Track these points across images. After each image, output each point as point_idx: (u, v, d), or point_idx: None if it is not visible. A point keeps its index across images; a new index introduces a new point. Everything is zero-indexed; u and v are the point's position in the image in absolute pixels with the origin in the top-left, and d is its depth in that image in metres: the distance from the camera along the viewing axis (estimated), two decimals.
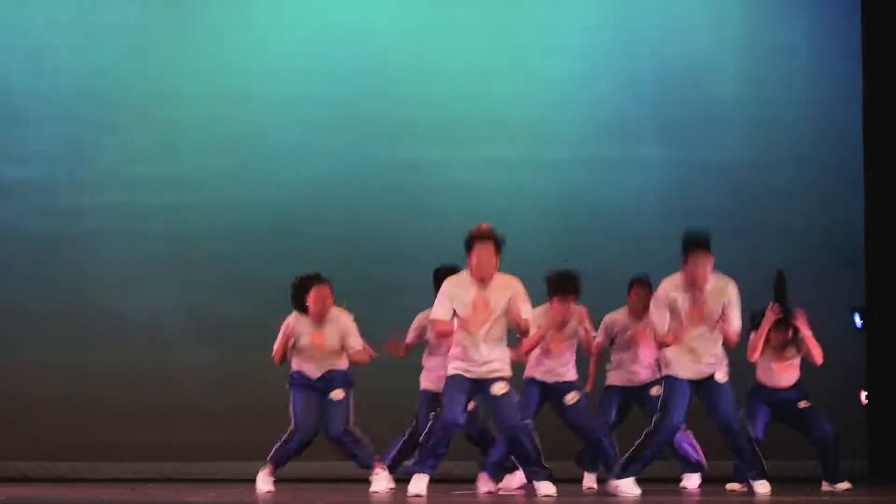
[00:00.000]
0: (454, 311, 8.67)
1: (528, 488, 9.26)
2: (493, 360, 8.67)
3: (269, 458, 9.76)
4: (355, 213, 12.28)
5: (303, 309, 9.71)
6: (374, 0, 12.60)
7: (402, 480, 9.48)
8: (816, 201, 12.35)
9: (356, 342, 9.67)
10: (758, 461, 8.98)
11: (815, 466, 10.03)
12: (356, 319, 9.77)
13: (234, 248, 12.27)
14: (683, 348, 8.73)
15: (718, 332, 8.75)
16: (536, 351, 9.68)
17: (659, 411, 8.80)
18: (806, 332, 9.64)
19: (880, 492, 9.98)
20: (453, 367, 8.75)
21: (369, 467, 9.65)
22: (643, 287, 9.94)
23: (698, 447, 9.98)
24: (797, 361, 9.84)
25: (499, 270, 8.76)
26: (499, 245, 8.71)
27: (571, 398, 9.74)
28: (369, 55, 12.46)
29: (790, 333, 9.67)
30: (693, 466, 9.96)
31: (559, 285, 9.57)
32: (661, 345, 8.80)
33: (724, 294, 8.74)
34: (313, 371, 9.73)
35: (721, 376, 8.79)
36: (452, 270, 9.11)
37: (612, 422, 10.10)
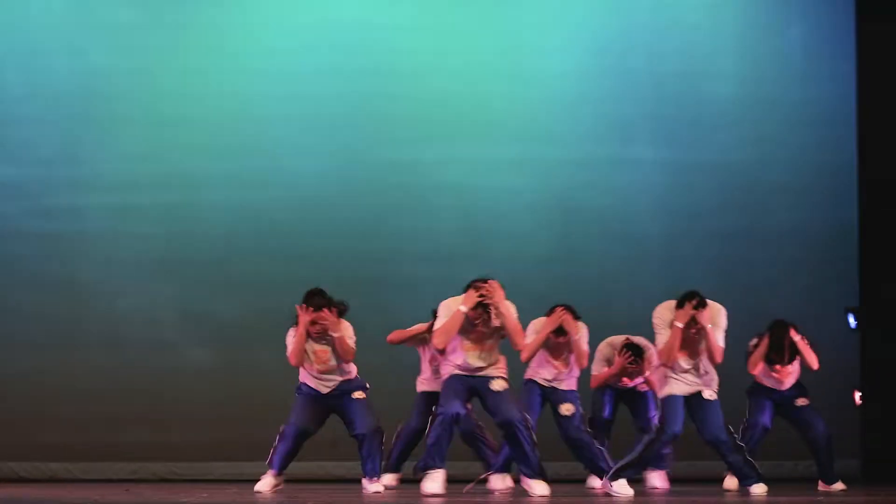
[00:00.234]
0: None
1: (519, 488, 9.27)
2: (491, 365, 8.90)
3: (267, 462, 9.70)
4: (352, 213, 12.27)
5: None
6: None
7: (409, 481, 9.52)
8: (811, 201, 12.35)
9: (350, 349, 9.51)
10: (751, 468, 9.05)
11: (810, 466, 10.03)
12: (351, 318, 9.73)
13: (230, 248, 12.25)
14: (675, 374, 8.94)
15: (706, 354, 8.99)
16: (537, 358, 9.70)
17: (659, 423, 8.99)
18: (803, 346, 9.75)
19: (874, 492, 9.98)
20: (451, 368, 8.94)
21: (374, 476, 9.54)
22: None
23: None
24: (797, 365, 9.90)
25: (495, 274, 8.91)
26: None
27: (567, 409, 9.66)
28: (366, 55, 12.44)
29: (790, 354, 9.75)
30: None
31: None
32: (665, 364, 8.94)
33: (714, 320, 8.89)
34: (321, 387, 9.57)
35: (709, 394, 8.96)
36: None
37: (608, 421, 10.13)
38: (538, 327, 9.54)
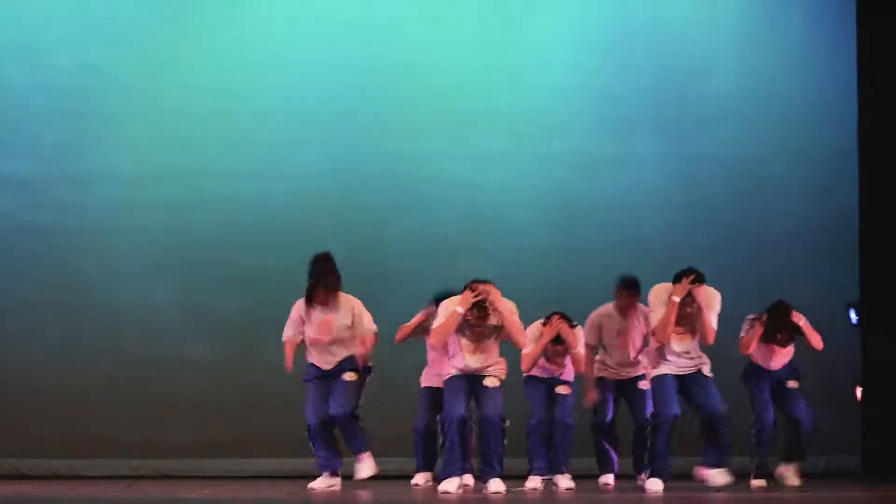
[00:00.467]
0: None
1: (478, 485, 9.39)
2: (490, 365, 9.06)
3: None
4: (353, 207, 12.27)
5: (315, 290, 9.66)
6: None
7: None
8: (812, 195, 12.35)
9: (371, 326, 9.67)
10: (727, 451, 9.24)
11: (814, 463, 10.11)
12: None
13: (230, 243, 12.25)
14: (667, 358, 9.16)
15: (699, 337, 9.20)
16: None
17: (654, 408, 9.28)
18: (807, 328, 9.79)
19: (874, 488, 9.99)
20: (452, 370, 9.09)
21: (359, 452, 9.62)
22: (631, 291, 10.05)
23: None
24: (792, 347, 9.94)
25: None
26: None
27: (563, 389, 9.84)
28: (366, 48, 12.43)
29: (792, 333, 9.79)
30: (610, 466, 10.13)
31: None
32: (659, 341, 9.14)
33: (709, 303, 9.14)
34: (324, 363, 9.68)
35: (707, 371, 9.26)
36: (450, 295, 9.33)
37: (610, 424, 10.13)
38: (536, 334, 9.65)
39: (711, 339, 9.16)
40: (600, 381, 10.12)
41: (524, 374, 9.82)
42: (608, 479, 10.03)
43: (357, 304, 9.68)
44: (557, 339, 9.61)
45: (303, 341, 9.78)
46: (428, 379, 10.06)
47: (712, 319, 9.13)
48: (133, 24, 12.41)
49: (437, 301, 9.47)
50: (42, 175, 12.28)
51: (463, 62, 12.43)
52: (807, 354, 10.05)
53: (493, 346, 9.06)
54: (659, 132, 12.44)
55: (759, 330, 9.74)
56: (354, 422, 9.55)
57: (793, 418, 9.87)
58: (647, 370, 9.72)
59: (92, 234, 12.26)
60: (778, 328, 9.69)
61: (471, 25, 12.53)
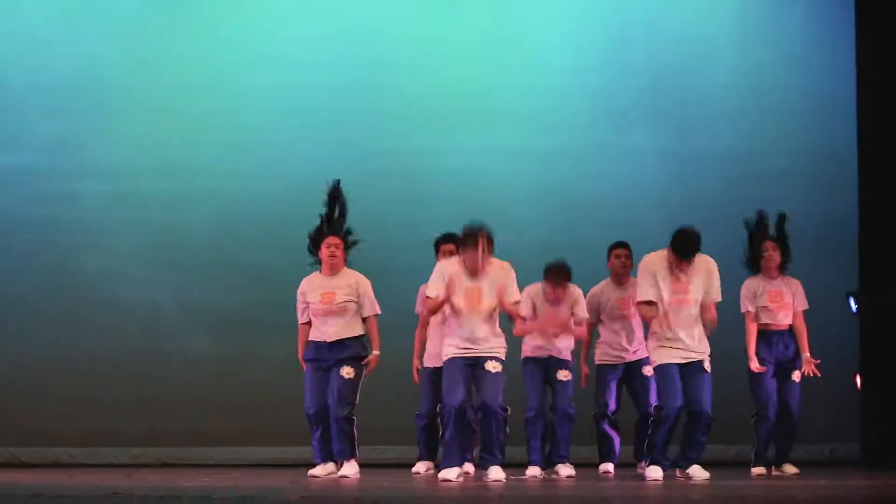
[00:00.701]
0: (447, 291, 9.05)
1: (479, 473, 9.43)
2: (490, 341, 9.03)
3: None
4: (353, 202, 12.14)
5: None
6: None
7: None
8: (810, 188, 12.36)
9: (374, 304, 9.71)
10: (698, 453, 9.27)
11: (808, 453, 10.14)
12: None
13: (229, 237, 12.27)
14: (667, 338, 9.10)
15: (699, 314, 9.18)
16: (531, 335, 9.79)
17: (656, 404, 9.28)
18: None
19: (874, 476, 10.02)
20: (450, 350, 9.05)
21: (343, 458, 9.61)
22: (624, 250, 10.20)
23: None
24: (790, 309, 9.99)
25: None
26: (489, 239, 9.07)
27: (564, 375, 9.81)
28: (364, 44, 12.45)
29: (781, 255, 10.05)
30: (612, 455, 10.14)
31: (553, 275, 9.74)
32: (644, 316, 9.21)
33: (707, 271, 9.24)
34: (325, 335, 9.66)
35: (708, 366, 9.21)
36: (452, 237, 9.51)
37: (613, 415, 10.13)
38: (532, 293, 9.68)
39: (712, 316, 9.21)
40: (602, 369, 10.13)
41: (522, 358, 9.81)
42: (608, 467, 10.04)
43: (363, 279, 9.76)
44: (556, 276, 9.60)
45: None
46: (429, 359, 10.06)
47: (714, 292, 9.21)
48: (132, 20, 12.44)
49: (438, 245, 9.57)
50: (40, 169, 12.29)
51: (462, 59, 12.46)
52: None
53: (492, 317, 9.04)
54: (658, 129, 12.46)
55: (749, 286, 9.94)
56: (349, 426, 9.56)
57: (784, 411, 9.92)
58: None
59: (91, 229, 12.27)
60: (761, 237, 9.96)
61: (469, 23, 12.56)
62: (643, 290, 9.23)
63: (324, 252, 9.74)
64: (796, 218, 12.17)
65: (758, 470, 9.91)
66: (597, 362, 10.18)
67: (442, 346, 9.29)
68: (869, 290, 12.13)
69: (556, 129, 12.40)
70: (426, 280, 9.54)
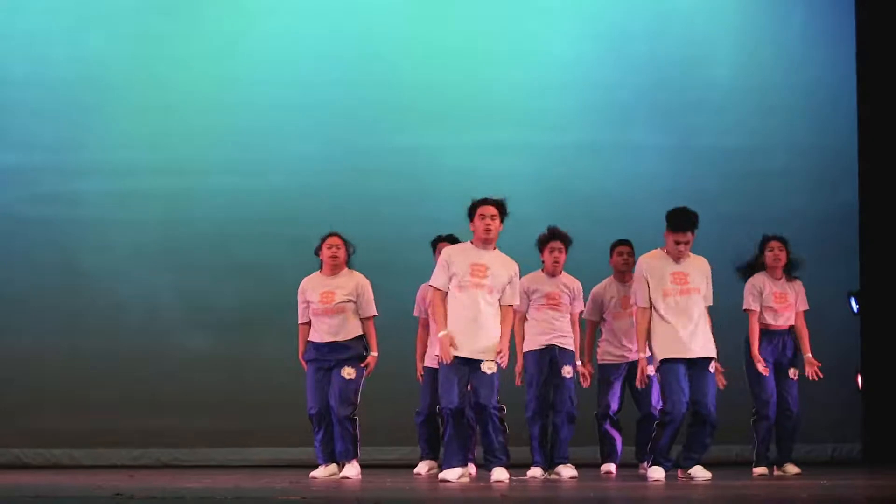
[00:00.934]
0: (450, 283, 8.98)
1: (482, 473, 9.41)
2: (488, 338, 8.87)
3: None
4: (352, 199, 12.27)
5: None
6: None
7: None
8: (811, 186, 12.37)
9: (372, 306, 9.69)
10: (701, 453, 9.26)
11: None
12: None
13: (229, 235, 12.26)
14: (668, 332, 9.06)
15: (702, 310, 9.18)
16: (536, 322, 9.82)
17: (662, 401, 9.21)
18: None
19: (876, 476, 10.01)
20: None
21: (345, 458, 9.62)
22: (626, 247, 10.24)
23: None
24: (793, 306, 9.97)
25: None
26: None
27: (567, 372, 9.78)
28: (364, 40, 12.45)
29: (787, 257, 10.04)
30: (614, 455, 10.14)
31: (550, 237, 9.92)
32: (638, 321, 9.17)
33: (703, 271, 9.28)
34: (325, 335, 9.66)
35: (713, 367, 9.16)
36: (450, 237, 9.53)
37: (617, 409, 10.13)
38: (528, 282, 9.71)
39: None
40: (606, 369, 10.12)
41: (525, 351, 9.78)
42: (610, 467, 10.03)
43: (363, 280, 9.75)
44: (555, 239, 9.68)
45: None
46: (430, 359, 10.05)
47: (708, 296, 9.23)
48: (132, 17, 12.43)
49: (435, 244, 9.61)
50: (39, 167, 12.29)
51: (462, 54, 12.46)
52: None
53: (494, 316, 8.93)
54: (659, 124, 12.47)
55: (755, 284, 9.94)
56: (351, 426, 9.55)
57: (784, 410, 9.92)
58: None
59: (91, 229, 12.27)
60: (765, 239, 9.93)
61: (470, 18, 12.55)
62: (637, 296, 9.22)
63: (325, 252, 9.74)
64: (797, 216, 12.22)
65: (759, 470, 9.92)
66: (599, 362, 10.16)
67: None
68: (871, 288, 12.13)
69: (556, 127, 12.41)
70: (425, 279, 9.53)
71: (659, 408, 9.38)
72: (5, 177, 12.29)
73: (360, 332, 9.69)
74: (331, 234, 9.82)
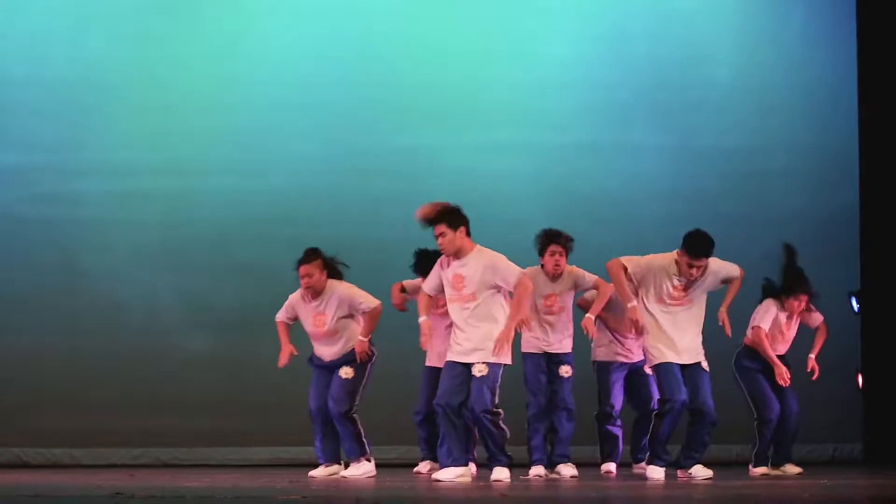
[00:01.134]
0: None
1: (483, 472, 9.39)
2: (477, 340, 8.78)
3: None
4: (352, 199, 12.27)
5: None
6: None
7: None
8: (812, 186, 12.38)
9: (364, 303, 9.62)
10: (702, 451, 9.26)
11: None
12: None
13: (229, 235, 12.26)
14: (663, 337, 9.09)
15: (697, 318, 9.16)
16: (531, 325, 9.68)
17: (660, 395, 9.23)
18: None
19: (877, 475, 10.01)
20: (449, 352, 8.93)
21: (352, 456, 9.61)
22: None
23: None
24: (795, 331, 10.04)
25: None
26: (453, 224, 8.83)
27: (565, 371, 9.73)
28: (363, 41, 12.44)
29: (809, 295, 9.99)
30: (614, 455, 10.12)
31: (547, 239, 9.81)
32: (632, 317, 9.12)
33: (712, 272, 9.22)
34: (323, 353, 9.69)
35: (706, 366, 9.20)
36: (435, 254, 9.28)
37: (619, 408, 10.12)
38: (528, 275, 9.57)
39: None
40: (608, 367, 10.09)
41: (522, 353, 9.73)
42: (610, 466, 10.01)
43: (343, 291, 9.64)
44: (554, 240, 9.62)
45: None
46: (429, 359, 10.04)
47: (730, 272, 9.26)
48: (132, 17, 12.41)
49: (417, 258, 9.77)
50: (39, 167, 12.28)
51: (461, 54, 12.46)
52: (808, 343, 10.11)
53: (483, 314, 8.81)
54: (659, 124, 12.47)
55: (773, 309, 9.89)
56: (350, 424, 9.55)
57: (785, 411, 9.92)
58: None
59: (91, 229, 12.26)
60: (797, 284, 9.83)
61: (470, 18, 12.55)
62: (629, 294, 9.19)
63: (301, 282, 9.67)
64: (797, 217, 12.22)
65: (761, 470, 9.91)
66: (602, 360, 10.13)
67: (444, 348, 9.26)
68: (872, 288, 12.13)
69: (556, 127, 12.41)
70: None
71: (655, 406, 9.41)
72: (5, 177, 12.28)
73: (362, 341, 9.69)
74: (298, 265, 9.67)
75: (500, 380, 8.84)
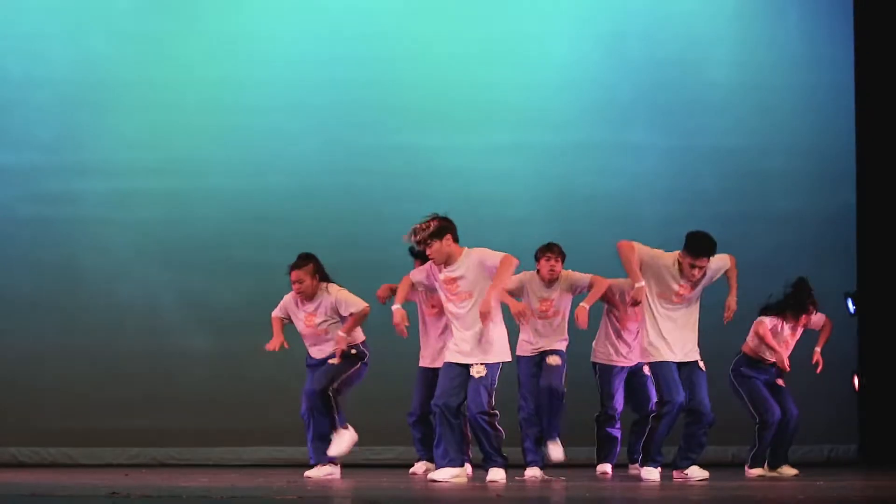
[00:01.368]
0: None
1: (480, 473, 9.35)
2: (476, 341, 8.77)
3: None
4: (352, 199, 12.28)
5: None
6: None
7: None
8: (809, 187, 12.37)
9: (353, 308, 9.62)
10: (699, 451, 9.26)
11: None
12: None
13: (228, 234, 12.27)
14: (661, 334, 9.12)
15: (694, 316, 9.18)
16: (526, 327, 9.67)
17: (658, 397, 9.23)
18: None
19: (872, 476, 10.01)
20: (447, 352, 8.93)
21: (334, 430, 9.60)
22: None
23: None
24: (796, 340, 10.07)
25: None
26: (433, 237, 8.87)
27: (553, 360, 9.63)
28: (363, 41, 12.45)
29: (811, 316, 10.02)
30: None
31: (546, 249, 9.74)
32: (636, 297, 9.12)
33: (711, 269, 9.23)
34: (315, 352, 9.72)
35: (703, 365, 9.22)
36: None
37: (621, 410, 10.12)
38: (524, 279, 9.63)
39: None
40: (609, 370, 10.07)
41: (517, 355, 9.68)
42: (606, 468, 10.01)
43: (334, 295, 9.66)
44: (550, 248, 9.60)
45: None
46: (423, 360, 10.04)
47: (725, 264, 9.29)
48: (132, 17, 12.42)
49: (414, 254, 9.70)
50: (39, 167, 12.29)
51: (461, 55, 12.46)
52: (806, 344, 10.12)
53: (476, 318, 8.76)
54: (659, 124, 12.47)
55: (777, 320, 9.92)
56: (321, 400, 9.47)
57: (784, 415, 9.93)
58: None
59: (91, 228, 12.27)
60: (807, 300, 9.85)
61: (470, 19, 12.55)
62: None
63: (293, 288, 9.71)
64: (796, 216, 12.22)
65: (757, 471, 9.91)
66: (603, 363, 10.11)
67: (438, 347, 9.26)
68: (868, 289, 12.12)
69: (556, 127, 12.41)
70: None
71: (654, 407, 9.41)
72: (5, 177, 12.29)
73: (361, 341, 9.70)
74: (290, 271, 9.70)
75: (496, 381, 8.84)
